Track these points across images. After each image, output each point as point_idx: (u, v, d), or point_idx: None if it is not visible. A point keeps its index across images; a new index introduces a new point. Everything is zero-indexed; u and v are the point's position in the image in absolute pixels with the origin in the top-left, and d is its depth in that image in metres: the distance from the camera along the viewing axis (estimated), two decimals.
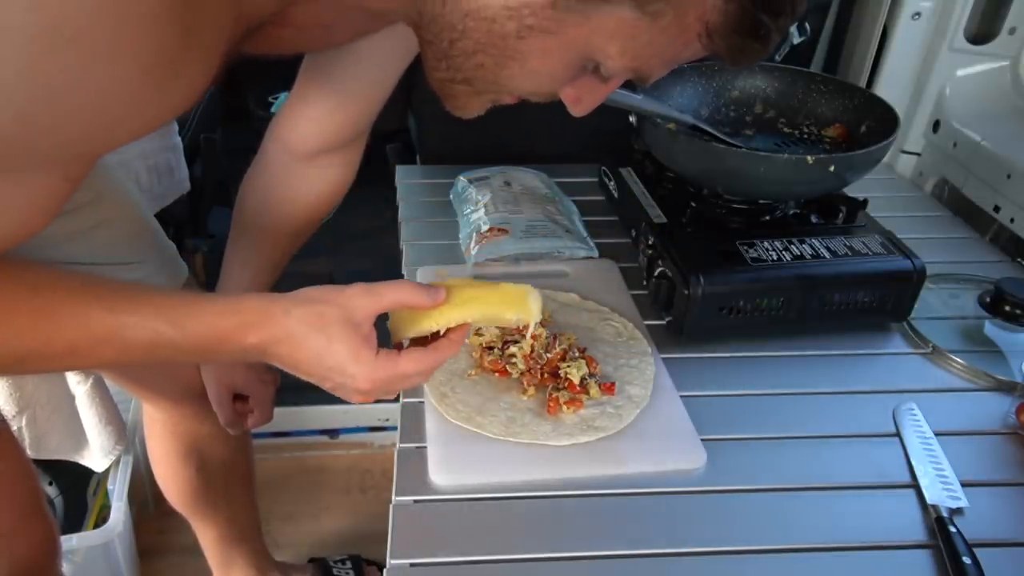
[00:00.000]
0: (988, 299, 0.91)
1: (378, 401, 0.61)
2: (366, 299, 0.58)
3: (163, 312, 0.54)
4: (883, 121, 0.95)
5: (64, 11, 0.38)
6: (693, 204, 0.94)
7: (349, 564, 1.39)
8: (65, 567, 1.00)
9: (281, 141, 0.84)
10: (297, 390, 1.05)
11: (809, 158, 0.84)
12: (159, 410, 1.07)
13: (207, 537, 1.20)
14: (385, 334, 0.62)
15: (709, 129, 0.94)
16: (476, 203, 1.05)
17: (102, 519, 1.25)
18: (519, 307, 0.64)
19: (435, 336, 0.63)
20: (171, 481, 1.12)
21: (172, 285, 0.98)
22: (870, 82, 1.30)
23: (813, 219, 0.94)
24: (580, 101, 0.58)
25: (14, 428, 1.09)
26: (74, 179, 0.50)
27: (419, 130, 1.33)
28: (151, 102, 0.45)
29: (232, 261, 0.89)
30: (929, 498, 0.67)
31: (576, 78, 0.55)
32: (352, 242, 2.15)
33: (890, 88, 1.27)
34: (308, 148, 0.83)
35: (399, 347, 0.63)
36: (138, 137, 0.49)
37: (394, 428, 0.81)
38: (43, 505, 0.96)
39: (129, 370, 1.01)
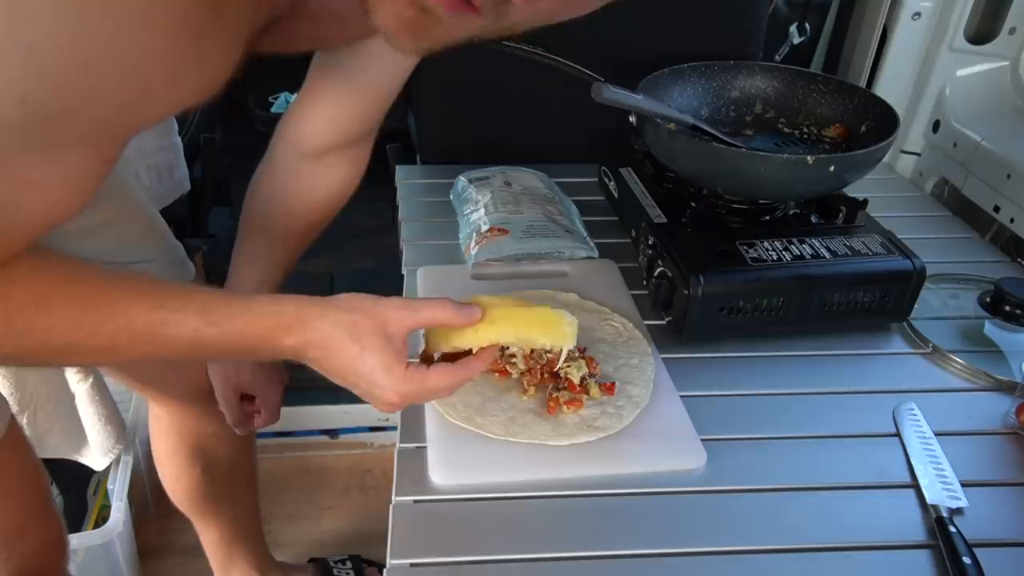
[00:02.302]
0: (988, 299, 0.91)
1: None
2: (402, 313, 0.59)
3: (204, 311, 0.54)
4: (883, 121, 0.95)
5: None
6: (693, 204, 0.94)
7: (349, 564, 1.39)
8: None
9: (290, 140, 0.83)
10: (297, 390, 1.06)
11: (809, 158, 0.84)
12: (165, 409, 1.07)
13: (209, 537, 1.20)
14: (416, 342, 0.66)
15: (709, 129, 0.94)
16: (476, 203, 1.05)
17: (102, 519, 1.25)
18: (553, 332, 0.65)
19: (467, 352, 0.64)
20: (176, 480, 1.13)
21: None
22: (870, 82, 1.30)
23: (813, 219, 0.94)
24: None
25: None
26: (108, 159, 0.49)
27: (419, 130, 1.33)
28: (180, 75, 0.45)
29: (240, 260, 0.89)
30: (929, 498, 0.67)
31: None
32: (352, 242, 2.15)
33: (890, 88, 1.27)
34: (317, 147, 0.83)
35: (429, 359, 0.65)
36: (169, 114, 0.49)
37: (394, 428, 0.81)
38: (52, 504, 0.96)
39: (137, 369, 1.01)
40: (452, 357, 0.65)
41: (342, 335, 0.57)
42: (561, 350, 0.66)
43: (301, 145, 0.83)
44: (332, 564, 1.39)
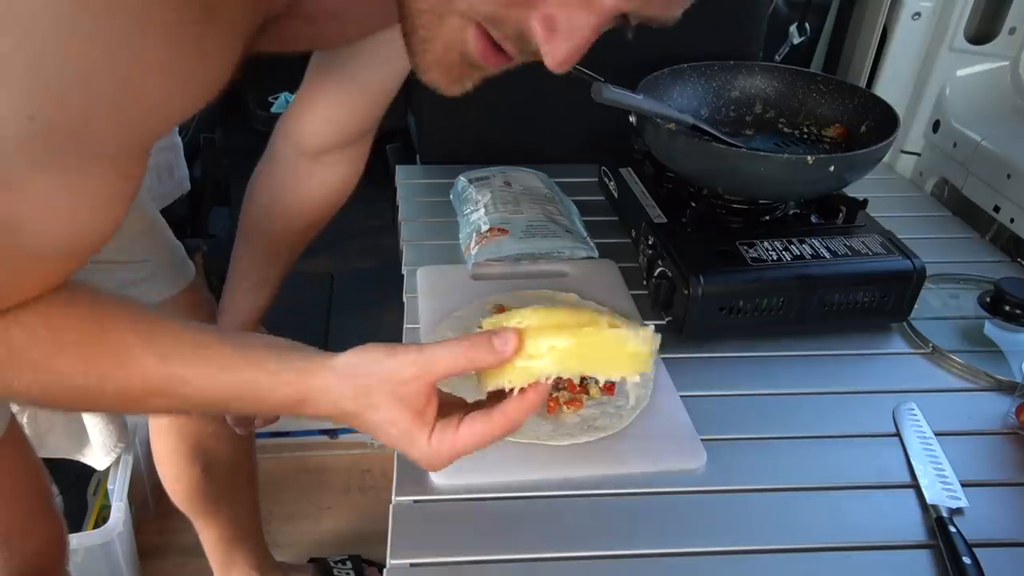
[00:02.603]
0: (988, 299, 0.91)
1: None
2: (415, 370, 0.51)
3: (220, 383, 0.51)
4: (883, 121, 0.95)
5: None
6: (693, 204, 0.94)
7: (349, 564, 1.39)
8: None
9: (289, 139, 0.83)
10: None
11: (809, 158, 0.84)
12: None
13: (209, 536, 1.20)
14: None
15: (709, 129, 0.94)
16: (476, 203, 1.05)
17: (102, 519, 1.25)
18: (619, 362, 0.51)
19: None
20: (176, 480, 1.13)
21: (180, 284, 0.98)
22: (870, 82, 1.30)
23: (813, 219, 0.94)
24: (555, 29, 0.45)
25: None
26: (129, 176, 0.47)
27: (419, 130, 1.33)
28: (182, 80, 0.44)
29: (241, 260, 0.89)
30: (929, 498, 0.67)
31: None
32: (352, 242, 2.15)
33: (890, 88, 1.27)
34: (316, 145, 0.83)
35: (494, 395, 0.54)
36: (177, 122, 0.48)
37: None
38: (52, 504, 0.96)
39: None
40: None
41: (353, 408, 0.52)
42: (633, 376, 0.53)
43: (300, 143, 0.83)
44: (332, 564, 1.39)
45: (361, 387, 0.51)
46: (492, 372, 0.51)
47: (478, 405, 0.55)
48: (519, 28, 0.46)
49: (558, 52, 0.45)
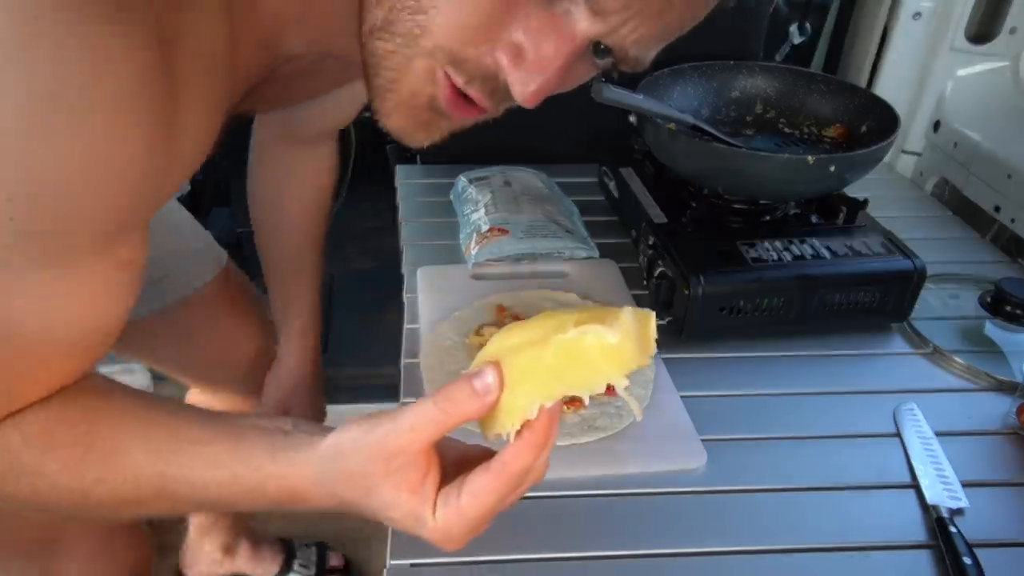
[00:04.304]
0: (988, 299, 0.91)
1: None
2: (398, 442, 0.44)
3: (212, 481, 0.48)
4: (883, 121, 0.95)
5: (58, 81, 0.37)
6: (693, 204, 0.94)
7: (314, 549, 1.41)
8: None
9: (268, 129, 0.87)
10: None
11: (809, 158, 0.84)
12: (205, 392, 1.09)
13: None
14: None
15: (709, 129, 0.94)
16: (476, 203, 1.05)
17: None
18: (590, 375, 0.42)
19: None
20: None
21: (209, 272, 1.00)
22: (870, 82, 1.30)
23: (813, 219, 0.94)
24: (523, 59, 0.42)
25: None
26: (125, 263, 0.46)
27: None
28: (161, 165, 0.43)
29: (276, 280, 0.92)
30: (929, 498, 0.67)
31: (519, 12, 0.42)
32: (352, 242, 2.15)
33: (890, 88, 1.27)
34: (295, 135, 0.87)
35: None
36: (161, 204, 0.46)
37: None
38: (140, 527, 0.96)
39: (186, 360, 1.04)
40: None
41: (351, 497, 0.46)
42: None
43: (283, 134, 0.87)
44: (297, 547, 1.41)
45: (351, 472, 0.46)
46: (488, 418, 0.44)
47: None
48: (483, 66, 0.44)
49: (528, 83, 0.42)
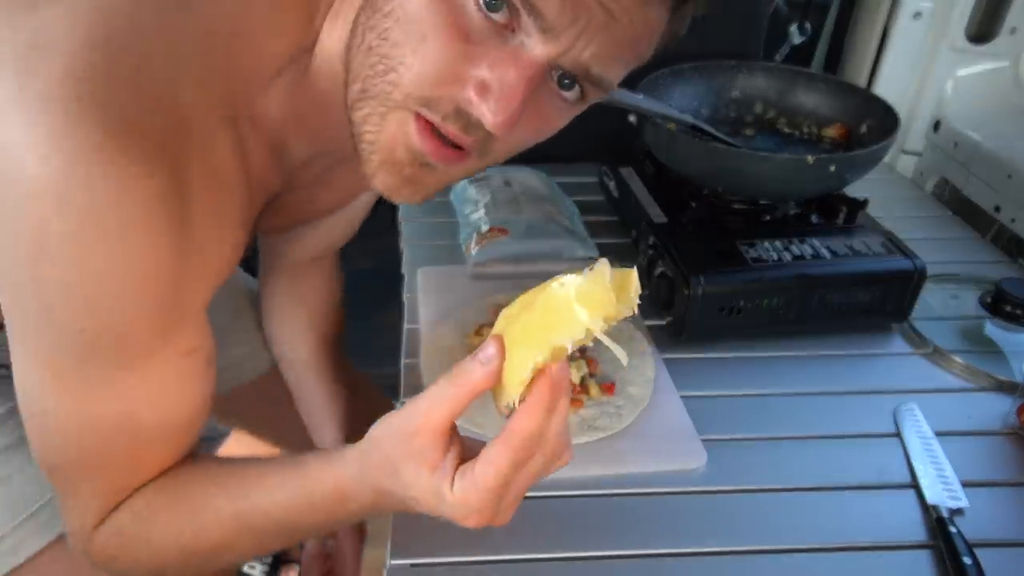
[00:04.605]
0: (988, 299, 0.90)
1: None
2: (418, 420, 0.47)
3: (279, 502, 0.53)
4: (883, 121, 0.95)
5: (92, 212, 0.43)
6: (693, 204, 0.94)
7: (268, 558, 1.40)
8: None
9: (274, 255, 0.90)
10: None
11: (809, 158, 0.84)
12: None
13: None
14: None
15: (709, 129, 0.94)
16: (476, 203, 1.05)
17: None
18: (565, 325, 0.43)
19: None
20: None
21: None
22: (870, 82, 1.30)
23: (813, 219, 0.94)
24: (489, 91, 0.45)
25: None
26: (188, 350, 0.52)
27: None
28: (180, 274, 0.48)
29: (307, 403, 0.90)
30: (929, 498, 0.67)
31: (466, 36, 0.45)
32: (352, 242, 2.15)
33: (890, 88, 1.27)
34: (296, 259, 0.89)
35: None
36: (199, 303, 0.52)
37: None
38: None
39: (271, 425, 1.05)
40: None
41: (387, 485, 0.49)
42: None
43: (287, 260, 0.89)
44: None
45: (382, 458, 0.48)
46: (496, 391, 0.46)
47: None
48: (455, 104, 0.46)
49: (497, 112, 0.45)
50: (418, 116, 0.47)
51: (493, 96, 0.44)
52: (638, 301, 0.44)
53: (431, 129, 0.47)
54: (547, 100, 0.48)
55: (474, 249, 0.97)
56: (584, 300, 0.42)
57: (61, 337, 0.48)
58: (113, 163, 0.42)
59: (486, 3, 0.43)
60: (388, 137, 0.48)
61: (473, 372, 0.45)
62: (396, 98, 0.47)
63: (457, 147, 0.48)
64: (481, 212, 1.03)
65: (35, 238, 0.43)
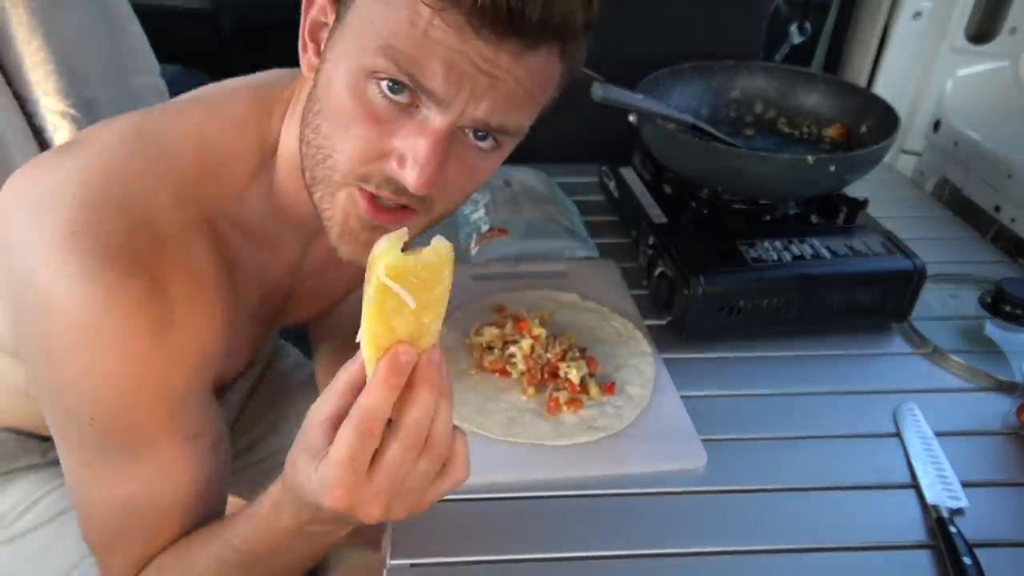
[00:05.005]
0: (988, 299, 0.91)
1: None
2: (309, 414, 0.50)
3: (253, 535, 0.57)
4: (883, 121, 0.95)
5: (84, 316, 0.52)
6: (693, 204, 0.94)
7: None
8: None
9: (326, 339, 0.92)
10: None
11: (809, 158, 0.84)
12: None
13: None
14: None
15: (709, 129, 0.94)
16: (476, 203, 1.05)
17: None
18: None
19: None
20: None
21: None
22: (870, 82, 1.30)
23: (813, 219, 0.94)
24: (406, 160, 0.52)
25: None
26: (193, 435, 0.59)
27: None
28: (165, 369, 0.56)
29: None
30: (929, 498, 0.67)
31: (375, 118, 0.52)
32: None
33: (890, 88, 1.27)
34: None
35: None
36: (196, 391, 0.59)
37: None
38: None
39: None
40: None
41: (292, 479, 0.50)
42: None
43: None
44: None
45: (291, 458, 0.50)
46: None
47: None
48: (384, 174, 0.53)
49: (417, 176, 0.52)
50: (361, 189, 0.54)
51: (409, 164, 0.52)
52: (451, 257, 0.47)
53: (372, 198, 0.54)
54: (467, 153, 0.55)
55: (474, 249, 0.97)
56: (383, 258, 0.45)
57: (79, 430, 0.56)
58: (100, 281, 0.51)
59: (389, 88, 0.51)
60: (340, 211, 0.56)
61: (347, 365, 0.49)
62: (337, 179, 0.54)
63: (401, 207, 0.55)
64: (481, 212, 1.03)
65: (45, 344, 0.54)
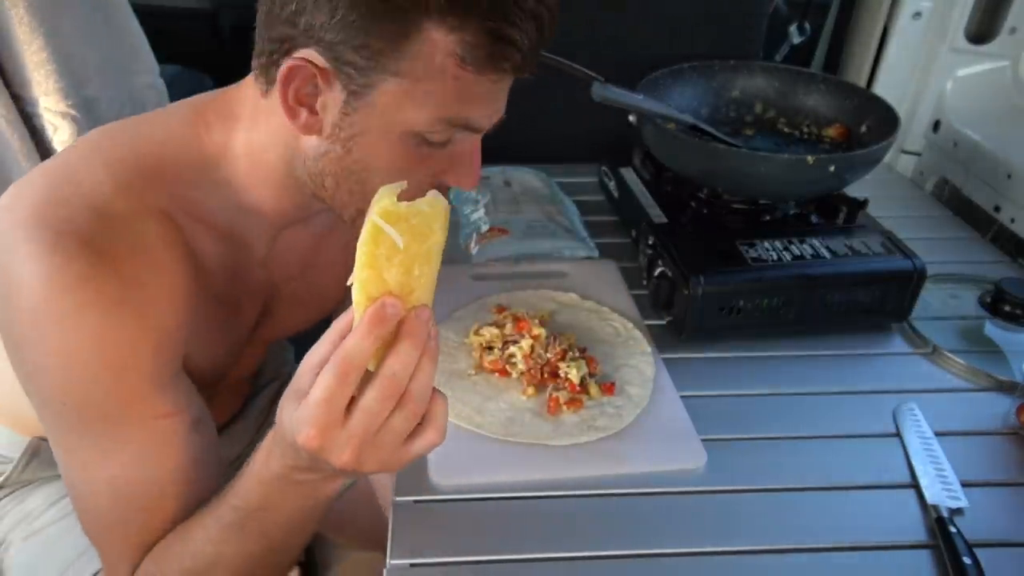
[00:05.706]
0: (988, 299, 0.91)
1: None
2: (300, 364, 0.51)
3: (250, 487, 0.59)
4: (883, 121, 0.95)
5: (47, 304, 0.56)
6: (693, 204, 0.94)
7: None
8: None
9: None
10: None
11: (809, 158, 0.84)
12: None
13: None
14: None
15: (709, 129, 0.94)
16: (476, 203, 1.05)
17: None
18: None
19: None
20: None
21: None
22: (870, 82, 1.30)
23: (813, 219, 0.94)
24: (463, 168, 0.64)
25: None
26: (164, 414, 0.61)
27: None
28: (130, 355, 0.59)
29: None
30: (929, 498, 0.67)
31: (424, 159, 0.61)
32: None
33: (890, 88, 1.27)
34: None
35: None
36: (164, 373, 0.62)
37: None
38: None
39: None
40: None
41: (280, 427, 0.53)
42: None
43: None
44: None
45: (280, 404, 0.52)
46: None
47: None
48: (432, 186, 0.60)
49: (470, 183, 0.65)
50: None
51: (464, 173, 0.64)
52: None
53: None
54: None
55: (474, 249, 0.97)
56: (379, 203, 0.46)
57: (56, 417, 0.60)
58: (48, 261, 0.55)
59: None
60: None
61: (343, 315, 0.50)
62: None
63: None
64: (481, 212, 1.03)
65: (11, 333, 0.58)
